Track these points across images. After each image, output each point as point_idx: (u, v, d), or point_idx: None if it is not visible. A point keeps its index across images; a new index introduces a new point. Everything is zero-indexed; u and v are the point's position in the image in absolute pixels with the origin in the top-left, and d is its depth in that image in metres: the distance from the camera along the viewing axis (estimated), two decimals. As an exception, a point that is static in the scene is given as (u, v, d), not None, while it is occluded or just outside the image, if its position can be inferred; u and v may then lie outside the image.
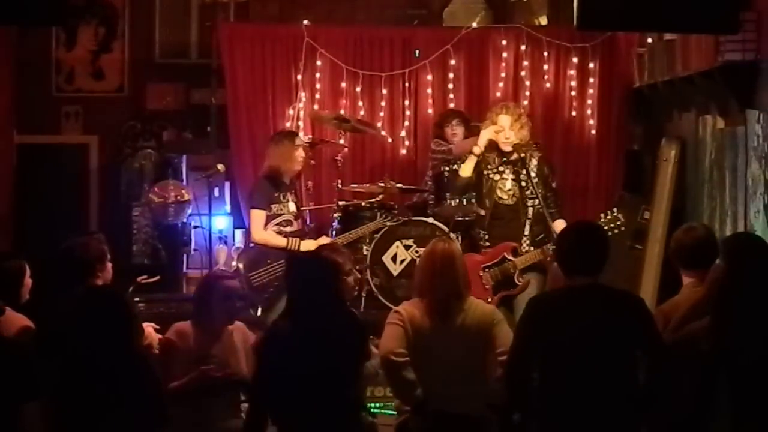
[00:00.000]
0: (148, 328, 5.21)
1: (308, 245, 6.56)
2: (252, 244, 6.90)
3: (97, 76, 9.75)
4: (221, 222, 8.52)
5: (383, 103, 8.13)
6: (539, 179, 6.44)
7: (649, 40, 7.66)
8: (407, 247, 7.07)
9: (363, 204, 7.42)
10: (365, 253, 7.07)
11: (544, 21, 9.30)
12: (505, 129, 6.42)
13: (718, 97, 6.55)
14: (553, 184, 6.56)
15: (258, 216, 6.69)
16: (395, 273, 7.07)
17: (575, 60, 8.07)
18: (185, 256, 8.61)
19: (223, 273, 5.70)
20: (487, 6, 9.58)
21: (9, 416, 4.13)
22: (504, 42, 8.12)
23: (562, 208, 6.57)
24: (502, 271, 6.31)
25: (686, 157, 7.28)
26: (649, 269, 7.22)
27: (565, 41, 8.06)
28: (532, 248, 6.35)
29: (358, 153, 8.16)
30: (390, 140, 8.15)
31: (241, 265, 6.75)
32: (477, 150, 6.47)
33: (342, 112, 7.84)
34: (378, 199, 7.40)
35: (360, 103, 8.11)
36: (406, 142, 8.17)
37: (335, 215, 7.24)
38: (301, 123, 8.04)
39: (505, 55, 8.11)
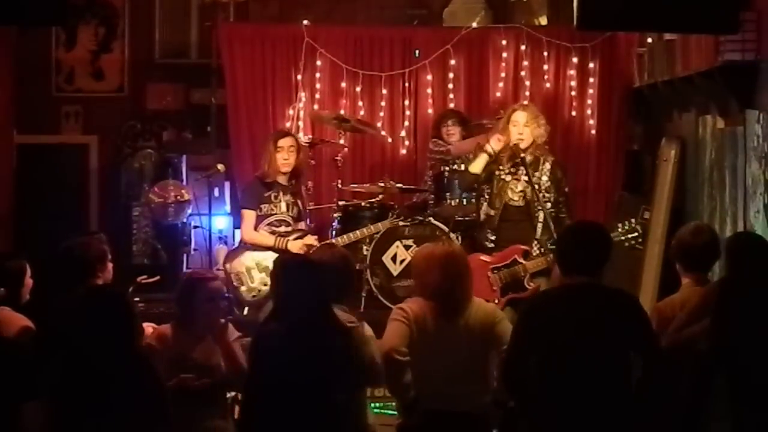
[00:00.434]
0: (148, 328, 5.20)
1: (295, 245, 6.62)
2: (227, 245, 7.00)
3: (97, 76, 9.75)
4: (221, 222, 8.53)
5: (383, 103, 8.13)
6: (552, 183, 6.40)
7: (649, 40, 7.67)
8: (407, 247, 7.06)
9: (363, 204, 7.43)
10: (365, 253, 7.07)
11: (544, 21, 9.31)
12: (519, 125, 6.39)
13: (718, 97, 6.55)
14: (566, 189, 6.51)
15: (247, 216, 6.80)
16: (395, 273, 7.06)
17: (575, 60, 8.07)
18: (185, 256, 8.61)
19: (205, 274, 5.62)
20: (487, 6, 9.58)
21: (9, 416, 4.13)
22: (504, 42, 8.12)
23: (573, 213, 6.54)
24: (511, 273, 6.26)
25: (686, 157, 7.28)
26: (649, 269, 7.22)
27: (565, 41, 8.06)
28: (542, 252, 6.27)
29: (358, 153, 8.16)
30: (390, 140, 8.15)
31: (228, 266, 6.78)
32: (490, 149, 6.37)
33: (342, 112, 7.85)
34: (378, 199, 7.41)
35: (360, 103, 8.11)
36: (406, 142, 8.17)
37: (335, 215, 7.24)
38: (301, 123, 8.05)
39: (505, 55, 8.11)
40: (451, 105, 8.12)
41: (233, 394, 5.06)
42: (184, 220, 8.50)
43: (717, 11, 5.40)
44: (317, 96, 8.09)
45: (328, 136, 7.88)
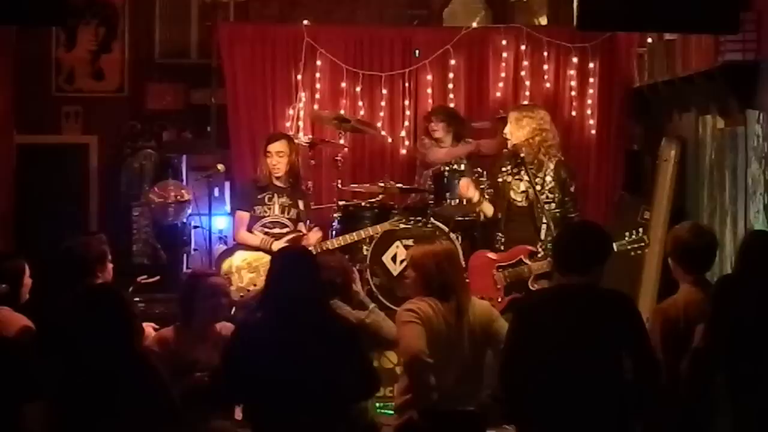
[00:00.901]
0: (148, 328, 5.21)
1: (279, 246, 6.63)
2: (227, 245, 7.05)
3: (97, 76, 9.75)
4: (221, 222, 8.52)
5: (383, 103, 8.12)
6: (556, 183, 6.40)
7: (649, 40, 7.66)
8: (407, 247, 7.04)
9: (363, 204, 7.43)
10: (365, 253, 7.07)
11: (544, 21, 9.31)
12: (508, 126, 6.45)
13: (718, 97, 6.55)
14: (572, 188, 6.49)
15: (239, 217, 6.96)
16: (395, 273, 7.05)
17: (575, 60, 8.06)
18: (185, 256, 8.61)
19: (206, 270, 5.64)
20: (487, 6, 9.58)
21: (9, 416, 4.13)
22: (504, 42, 8.12)
23: (582, 212, 6.53)
24: (516, 273, 6.24)
25: (686, 157, 7.28)
26: (649, 269, 7.22)
27: (565, 41, 8.06)
28: (547, 254, 6.26)
29: (358, 153, 8.16)
30: (390, 140, 8.14)
31: (221, 265, 6.82)
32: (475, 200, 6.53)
33: (342, 112, 7.85)
34: (378, 199, 7.41)
35: (360, 103, 8.10)
36: (406, 142, 8.16)
37: (335, 215, 7.24)
38: (301, 123, 8.05)
39: (505, 55, 8.11)
40: (452, 105, 8.11)
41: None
42: (184, 220, 8.50)
43: (717, 11, 5.40)
44: (317, 96, 8.08)
45: (328, 136, 7.87)
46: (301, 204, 6.92)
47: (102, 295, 4.25)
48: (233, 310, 6.82)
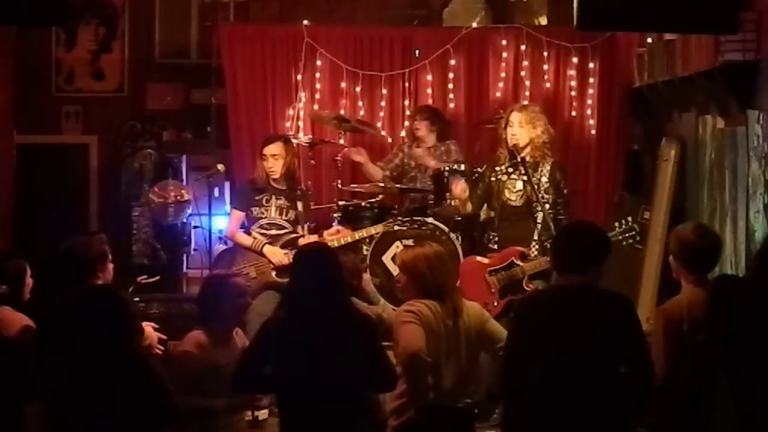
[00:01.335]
0: (148, 327, 5.21)
1: (272, 251, 6.70)
2: (227, 245, 7.14)
3: (97, 76, 9.75)
4: (221, 222, 8.52)
5: (383, 103, 8.12)
6: (551, 185, 6.40)
7: (649, 40, 7.66)
8: (409, 250, 7.04)
9: (363, 204, 7.43)
10: (365, 253, 7.07)
11: (544, 21, 9.31)
12: (514, 125, 6.43)
13: (718, 97, 6.55)
14: (565, 191, 6.49)
15: (233, 215, 7.02)
16: (395, 273, 7.03)
17: (575, 60, 8.06)
18: (185, 256, 8.62)
19: (228, 272, 5.66)
20: (487, 6, 9.58)
21: (9, 416, 4.13)
22: (504, 42, 8.12)
23: (573, 215, 6.53)
24: (509, 275, 6.24)
25: (686, 157, 7.28)
26: (649, 269, 7.22)
27: (565, 41, 8.06)
28: (540, 254, 6.25)
29: (358, 153, 8.15)
30: (390, 140, 8.14)
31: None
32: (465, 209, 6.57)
33: (342, 112, 7.85)
34: (378, 199, 7.41)
35: (360, 103, 8.10)
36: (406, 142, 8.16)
37: (335, 215, 7.24)
38: (301, 123, 8.05)
39: (505, 55, 8.11)
40: (451, 105, 8.12)
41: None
42: (184, 220, 8.50)
43: (717, 11, 5.40)
44: (317, 96, 8.08)
45: (328, 136, 7.87)
46: (300, 205, 6.91)
47: (102, 295, 4.25)
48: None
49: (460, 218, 7.13)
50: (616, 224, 6.18)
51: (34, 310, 4.89)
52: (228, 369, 4.61)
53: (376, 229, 6.90)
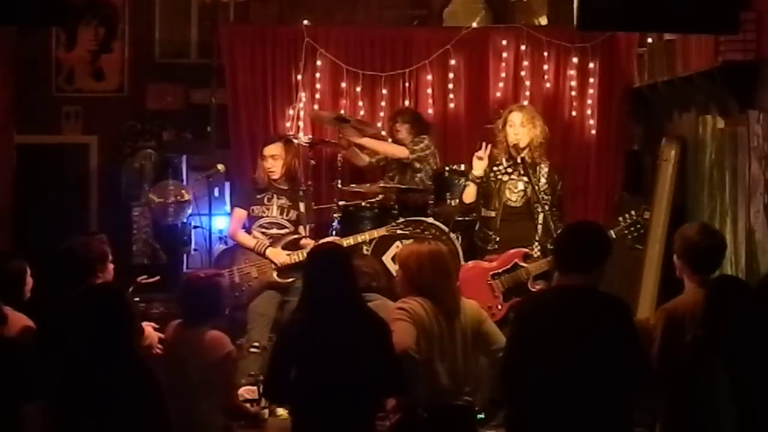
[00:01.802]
0: (148, 327, 5.21)
1: (274, 253, 6.71)
2: (227, 245, 7.11)
3: (97, 76, 9.76)
4: (221, 222, 8.52)
5: (383, 103, 8.12)
6: (549, 186, 6.42)
7: (649, 40, 7.67)
8: (405, 246, 7.04)
9: (363, 204, 7.43)
10: (365, 253, 7.06)
11: (544, 21, 9.30)
12: (515, 125, 6.44)
13: (718, 97, 6.55)
14: (560, 193, 6.53)
15: (235, 213, 7.03)
16: (395, 273, 7.03)
17: (575, 60, 8.06)
18: (185, 256, 8.61)
19: (216, 271, 5.60)
20: (487, 6, 9.58)
21: (9, 416, 4.13)
22: (504, 42, 8.11)
23: (564, 218, 6.53)
24: (513, 278, 6.23)
25: (686, 157, 7.28)
26: (649, 269, 7.22)
27: (565, 41, 8.05)
28: (542, 255, 6.25)
29: (357, 153, 8.15)
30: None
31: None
32: (474, 175, 6.47)
33: (342, 112, 7.84)
34: (378, 199, 7.41)
35: (360, 103, 8.10)
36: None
37: (335, 215, 7.24)
38: (301, 123, 8.05)
39: (505, 55, 8.11)
40: (451, 105, 8.12)
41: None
42: (184, 220, 8.50)
43: (717, 11, 5.40)
44: (317, 96, 8.08)
45: (328, 136, 7.88)
46: (302, 206, 6.92)
47: (104, 294, 4.25)
48: (228, 309, 6.89)
49: (460, 218, 7.13)
50: (620, 219, 6.20)
51: (34, 310, 4.89)
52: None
53: (379, 232, 6.90)
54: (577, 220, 5.73)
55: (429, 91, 8.12)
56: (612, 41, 8.01)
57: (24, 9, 5.33)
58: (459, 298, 4.80)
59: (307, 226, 6.99)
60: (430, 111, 8.10)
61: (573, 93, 8.09)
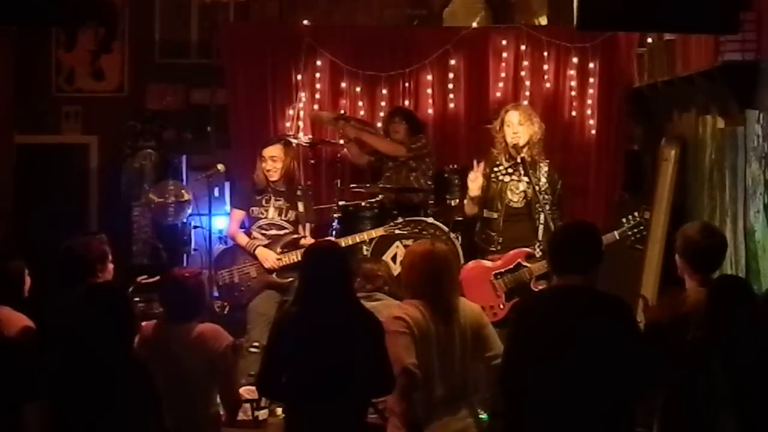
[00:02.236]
0: (149, 326, 5.20)
1: (264, 254, 6.74)
2: (227, 245, 7.20)
3: (97, 76, 9.75)
4: (221, 222, 8.52)
5: (383, 103, 8.12)
6: (550, 186, 6.42)
7: (649, 40, 7.66)
8: (407, 248, 7.04)
9: (363, 204, 7.43)
10: (365, 253, 7.06)
11: (544, 21, 9.31)
12: (513, 124, 6.43)
13: (718, 97, 6.55)
14: (560, 192, 6.52)
15: (233, 215, 7.11)
16: (395, 273, 7.04)
17: (575, 60, 8.06)
18: (185, 256, 8.61)
19: (190, 269, 5.58)
20: (487, 6, 9.58)
21: (9, 416, 4.13)
22: (504, 42, 8.12)
23: (563, 217, 6.52)
24: (515, 278, 6.23)
25: (686, 157, 7.28)
26: (649, 269, 7.22)
27: (565, 41, 8.05)
28: (544, 255, 6.24)
29: (357, 153, 8.15)
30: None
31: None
32: (473, 193, 6.46)
33: (342, 112, 7.84)
34: (378, 199, 7.41)
35: (360, 103, 8.11)
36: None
37: (335, 215, 7.24)
38: (301, 123, 8.05)
39: (505, 55, 8.11)
40: (451, 105, 8.12)
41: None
42: (184, 220, 8.50)
43: (717, 11, 5.40)
44: (317, 96, 8.08)
45: (328, 136, 7.88)
46: (300, 206, 6.92)
47: (105, 293, 4.26)
48: (227, 308, 6.92)
49: (460, 218, 7.13)
50: (624, 220, 6.20)
51: (33, 309, 4.89)
52: None
53: (377, 232, 6.91)
54: (570, 221, 5.74)
55: (429, 91, 8.12)
56: (612, 41, 8.01)
57: (24, 9, 5.33)
58: (456, 299, 4.72)
59: (308, 226, 6.99)
60: (430, 111, 8.11)
61: (573, 93, 8.09)
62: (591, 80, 8.09)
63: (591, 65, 8.08)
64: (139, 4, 9.73)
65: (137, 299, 6.47)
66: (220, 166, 7.91)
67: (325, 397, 4.21)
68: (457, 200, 7.13)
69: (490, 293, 6.18)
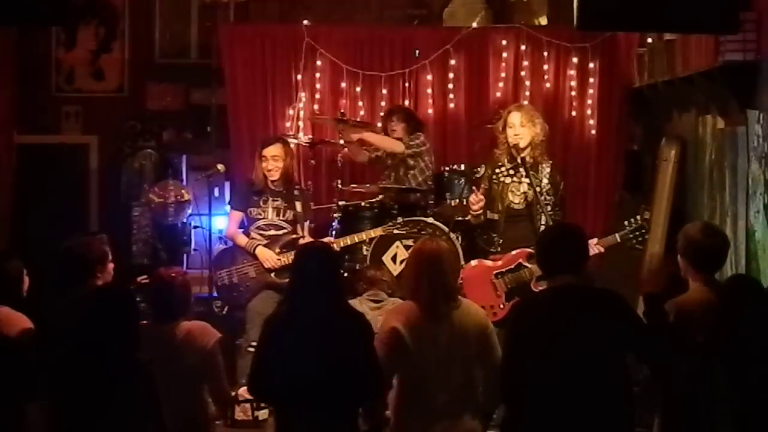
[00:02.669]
0: (148, 327, 5.21)
1: (263, 254, 6.72)
2: (227, 245, 7.17)
3: (97, 76, 9.76)
4: (221, 222, 8.52)
5: (383, 103, 8.12)
6: (552, 187, 6.40)
7: (649, 40, 7.67)
8: (407, 248, 7.04)
9: (363, 204, 7.43)
10: (365, 253, 7.07)
11: (544, 21, 9.30)
12: (515, 126, 6.42)
13: (718, 97, 6.55)
14: (563, 193, 6.51)
15: (232, 216, 7.07)
16: (395, 273, 7.04)
17: (575, 60, 8.06)
18: (185, 256, 8.62)
19: (175, 269, 5.56)
20: (487, 6, 9.57)
21: (9, 416, 4.13)
22: (504, 42, 8.12)
23: (567, 217, 6.52)
24: (516, 278, 6.21)
25: (686, 157, 7.28)
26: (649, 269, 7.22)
27: (565, 41, 8.06)
28: None
29: (357, 153, 8.15)
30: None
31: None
32: (476, 214, 6.45)
33: (341, 112, 7.84)
34: (378, 199, 7.41)
35: (360, 103, 8.11)
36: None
37: (335, 215, 7.24)
38: (300, 123, 8.05)
39: (505, 55, 8.11)
40: (451, 105, 8.12)
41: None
42: (184, 220, 8.51)
43: (717, 11, 5.39)
44: (317, 96, 8.08)
45: (328, 136, 7.87)
46: (298, 206, 6.91)
47: (113, 294, 4.27)
48: (226, 308, 6.92)
49: (460, 218, 7.13)
50: (626, 223, 6.19)
51: (33, 309, 4.89)
52: None
53: (376, 232, 6.91)
54: (555, 224, 5.75)
55: (429, 91, 8.12)
56: (612, 41, 8.01)
57: (24, 9, 5.33)
58: (448, 299, 4.58)
59: (306, 225, 6.98)
60: (430, 111, 8.11)
61: (573, 93, 8.09)
62: (591, 80, 8.10)
63: (591, 65, 8.08)
64: (139, 4, 9.74)
65: (137, 299, 6.46)
66: (220, 166, 7.91)
67: (314, 399, 4.20)
68: (457, 200, 7.13)
69: (491, 293, 6.17)
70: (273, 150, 6.87)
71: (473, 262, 6.46)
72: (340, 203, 7.29)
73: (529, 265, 6.22)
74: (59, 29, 9.43)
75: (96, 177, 9.68)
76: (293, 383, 4.22)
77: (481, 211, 6.43)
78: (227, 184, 8.64)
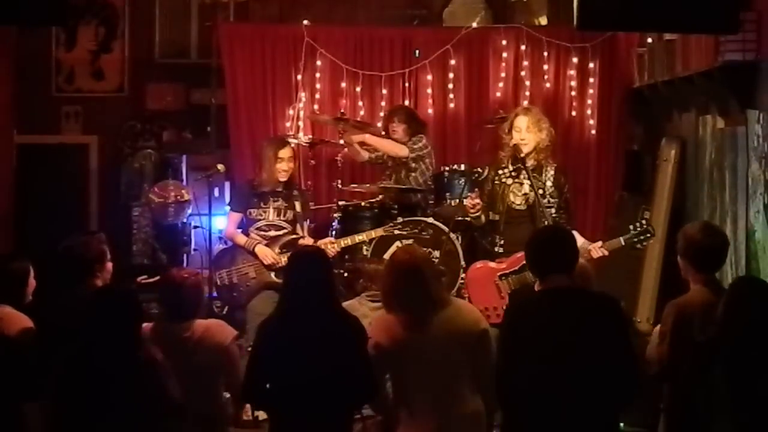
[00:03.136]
0: (148, 327, 5.20)
1: (263, 251, 6.68)
2: (227, 245, 7.13)
3: (97, 76, 9.76)
4: (221, 222, 8.51)
5: (383, 103, 8.12)
6: (555, 189, 6.38)
7: (649, 40, 7.66)
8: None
9: (363, 204, 7.43)
10: (365, 253, 7.06)
11: (544, 21, 9.31)
12: (521, 130, 6.38)
13: (718, 97, 6.55)
14: (567, 196, 6.49)
15: (230, 215, 6.99)
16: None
17: (575, 60, 8.07)
18: (185, 256, 8.62)
19: (188, 270, 5.57)
20: (487, 6, 9.58)
21: (10, 416, 4.14)
22: (504, 42, 8.12)
23: (573, 219, 6.50)
24: (520, 279, 6.19)
25: (686, 157, 7.28)
26: (649, 269, 7.22)
27: (565, 41, 8.06)
28: None
29: (357, 153, 8.15)
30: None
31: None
32: (472, 216, 6.43)
33: (342, 112, 7.84)
34: (378, 199, 7.41)
35: (360, 103, 8.11)
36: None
37: (335, 215, 7.24)
38: (301, 123, 8.05)
39: (505, 55, 8.11)
40: (451, 105, 8.13)
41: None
42: (184, 220, 8.50)
43: (717, 11, 5.39)
44: (317, 96, 8.09)
45: (328, 136, 7.88)
46: (297, 205, 6.90)
47: (115, 294, 4.28)
48: (226, 308, 6.91)
49: (460, 218, 7.12)
50: (631, 227, 6.16)
51: (33, 309, 4.89)
52: None
53: (377, 233, 6.90)
54: (544, 226, 5.73)
55: (429, 91, 8.13)
56: (612, 41, 8.02)
57: (24, 9, 5.33)
58: (434, 305, 4.49)
59: (305, 225, 6.98)
60: (430, 111, 8.12)
61: (573, 93, 8.10)
62: (591, 80, 8.10)
63: (591, 65, 8.09)
64: (139, 4, 9.74)
65: (139, 299, 6.46)
66: (220, 166, 7.91)
67: (307, 403, 4.19)
68: (457, 200, 7.12)
69: (494, 294, 6.16)
70: (288, 151, 6.81)
71: (478, 264, 6.44)
72: (340, 203, 7.29)
73: None
74: (59, 29, 9.44)
75: (96, 177, 9.69)
76: (286, 388, 4.22)
77: (478, 214, 6.42)
78: (227, 184, 8.64)
